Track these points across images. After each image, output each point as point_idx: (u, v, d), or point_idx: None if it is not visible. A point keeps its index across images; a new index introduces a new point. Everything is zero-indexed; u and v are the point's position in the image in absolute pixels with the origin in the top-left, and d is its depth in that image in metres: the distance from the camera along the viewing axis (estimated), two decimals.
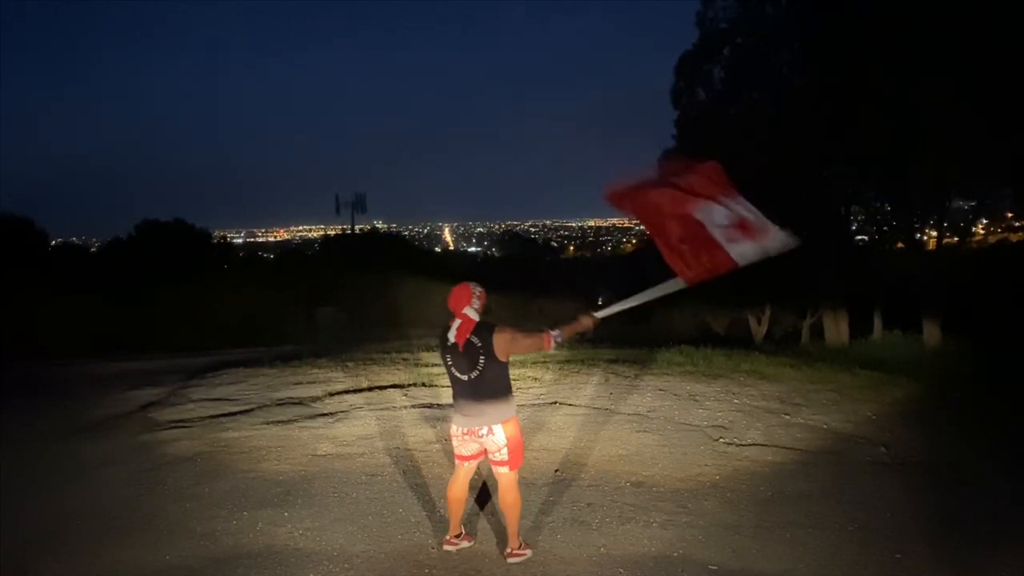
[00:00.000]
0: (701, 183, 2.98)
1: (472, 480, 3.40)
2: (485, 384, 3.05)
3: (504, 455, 3.12)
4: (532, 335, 3.06)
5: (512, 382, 3.20)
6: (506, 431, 3.10)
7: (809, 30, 14.51)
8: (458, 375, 3.10)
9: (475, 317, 3.06)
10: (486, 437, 3.11)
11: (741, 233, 2.89)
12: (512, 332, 3.04)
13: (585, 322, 3.08)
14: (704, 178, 2.99)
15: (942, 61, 11.51)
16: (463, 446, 3.20)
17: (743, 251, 2.88)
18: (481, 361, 3.02)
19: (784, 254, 2.88)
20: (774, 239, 2.87)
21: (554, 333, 3.03)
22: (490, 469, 3.28)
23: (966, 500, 4.03)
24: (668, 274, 2.99)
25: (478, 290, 3.10)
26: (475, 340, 3.02)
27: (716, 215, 2.93)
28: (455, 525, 3.38)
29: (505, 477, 3.18)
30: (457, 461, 3.27)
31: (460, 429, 3.17)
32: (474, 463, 3.27)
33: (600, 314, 3.08)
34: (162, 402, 6.45)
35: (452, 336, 3.06)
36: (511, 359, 3.14)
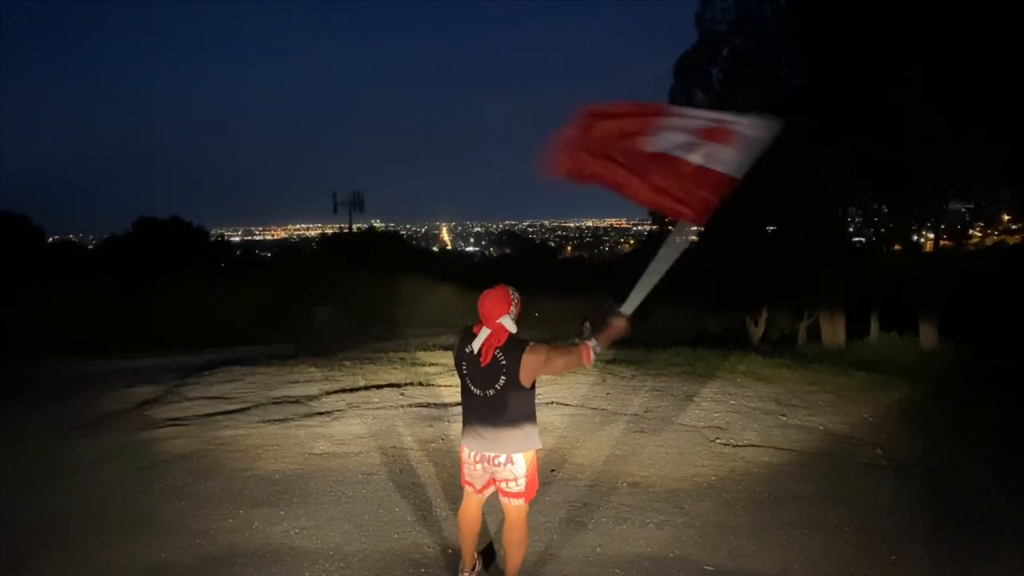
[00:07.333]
0: (630, 122, 2.54)
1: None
2: (505, 407, 2.63)
3: (520, 486, 2.71)
4: (568, 351, 2.62)
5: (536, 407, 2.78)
6: (527, 460, 2.70)
7: (807, 32, 14.57)
8: (473, 389, 2.66)
9: (511, 328, 2.61)
10: (502, 467, 2.69)
11: (714, 142, 2.42)
12: (547, 351, 2.60)
13: (619, 324, 2.64)
14: (628, 117, 2.56)
15: (939, 64, 11.55)
16: (474, 474, 2.76)
17: (729, 160, 2.40)
18: (501, 381, 2.61)
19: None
20: (754, 129, 2.40)
21: (592, 344, 2.60)
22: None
23: (961, 502, 4.04)
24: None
25: (516, 296, 2.64)
26: (500, 357, 2.59)
27: (670, 139, 2.48)
28: (470, 558, 2.94)
29: (516, 510, 2.75)
30: (467, 488, 2.83)
31: (472, 454, 2.73)
32: (486, 494, 2.82)
33: (627, 308, 2.66)
34: (158, 400, 6.42)
35: (477, 346, 2.60)
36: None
